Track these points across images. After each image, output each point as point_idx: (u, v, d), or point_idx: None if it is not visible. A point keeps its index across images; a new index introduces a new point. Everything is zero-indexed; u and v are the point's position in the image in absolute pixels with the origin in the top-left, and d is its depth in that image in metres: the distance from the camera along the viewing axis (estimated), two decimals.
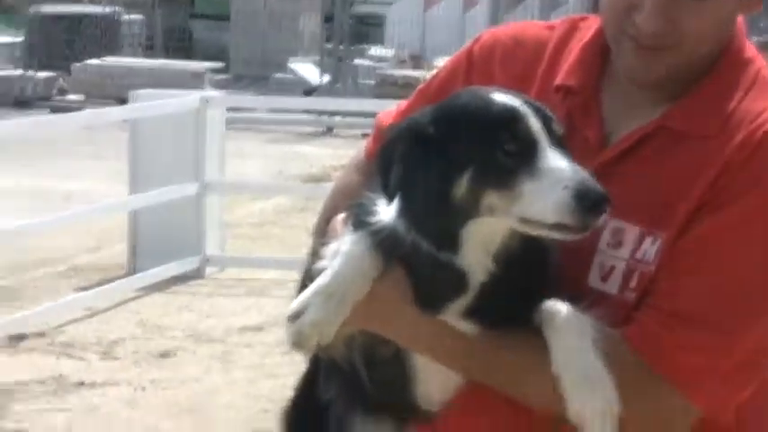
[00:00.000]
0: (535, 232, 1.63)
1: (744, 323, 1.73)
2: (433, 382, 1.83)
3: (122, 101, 10.47)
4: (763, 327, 1.73)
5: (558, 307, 1.67)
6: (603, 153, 1.77)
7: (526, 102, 1.71)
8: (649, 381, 1.70)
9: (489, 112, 1.68)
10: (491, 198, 1.62)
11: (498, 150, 1.65)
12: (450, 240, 1.68)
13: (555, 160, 1.64)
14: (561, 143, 1.69)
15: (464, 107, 1.71)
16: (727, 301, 1.70)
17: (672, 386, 1.68)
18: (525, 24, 2.13)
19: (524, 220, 1.60)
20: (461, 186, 1.64)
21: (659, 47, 1.72)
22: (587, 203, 1.55)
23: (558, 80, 1.85)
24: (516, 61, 1.94)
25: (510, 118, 1.67)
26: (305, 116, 15.45)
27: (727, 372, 1.73)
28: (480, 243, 1.68)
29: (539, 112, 1.70)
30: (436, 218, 1.67)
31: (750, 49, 1.81)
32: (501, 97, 1.70)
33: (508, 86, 1.79)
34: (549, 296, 1.70)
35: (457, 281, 1.69)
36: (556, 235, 1.61)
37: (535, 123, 1.67)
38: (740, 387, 1.74)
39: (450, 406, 1.84)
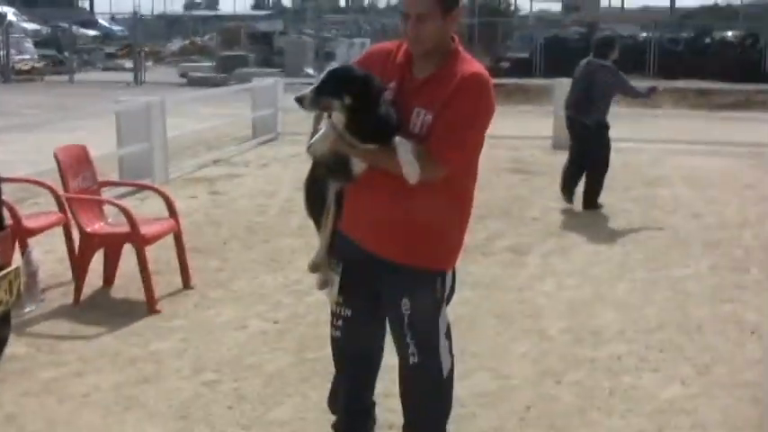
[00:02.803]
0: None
1: (466, 136, 3.46)
2: (358, 166, 3.55)
3: None
4: (473, 139, 3.54)
5: (399, 137, 3.40)
6: (415, 81, 3.56)
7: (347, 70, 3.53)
8: (430, 161, 3.41)
9: (344, 70, 3.56)
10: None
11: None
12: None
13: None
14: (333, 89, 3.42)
15: (339, 68, 3.61)
16: (459, 129, 3.41)
17: (437, 161, 3.43)
18: (384, 43, 3.83)
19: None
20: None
21: (416, 40, 3.51)
22: (300, 99, 3.44)
23: (398, 60, 3.62)
24: (381, 55, 3.69)
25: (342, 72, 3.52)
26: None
27: (459, 156, 3.47)
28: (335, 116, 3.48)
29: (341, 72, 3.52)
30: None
31: (460, 47, 3.62)
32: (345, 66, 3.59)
33: (377, 66, 3.55)
34: (397, 134, 3.41)
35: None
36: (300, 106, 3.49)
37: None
38: (462, 161, 3.54)
39: (365, 174, 3.57)
